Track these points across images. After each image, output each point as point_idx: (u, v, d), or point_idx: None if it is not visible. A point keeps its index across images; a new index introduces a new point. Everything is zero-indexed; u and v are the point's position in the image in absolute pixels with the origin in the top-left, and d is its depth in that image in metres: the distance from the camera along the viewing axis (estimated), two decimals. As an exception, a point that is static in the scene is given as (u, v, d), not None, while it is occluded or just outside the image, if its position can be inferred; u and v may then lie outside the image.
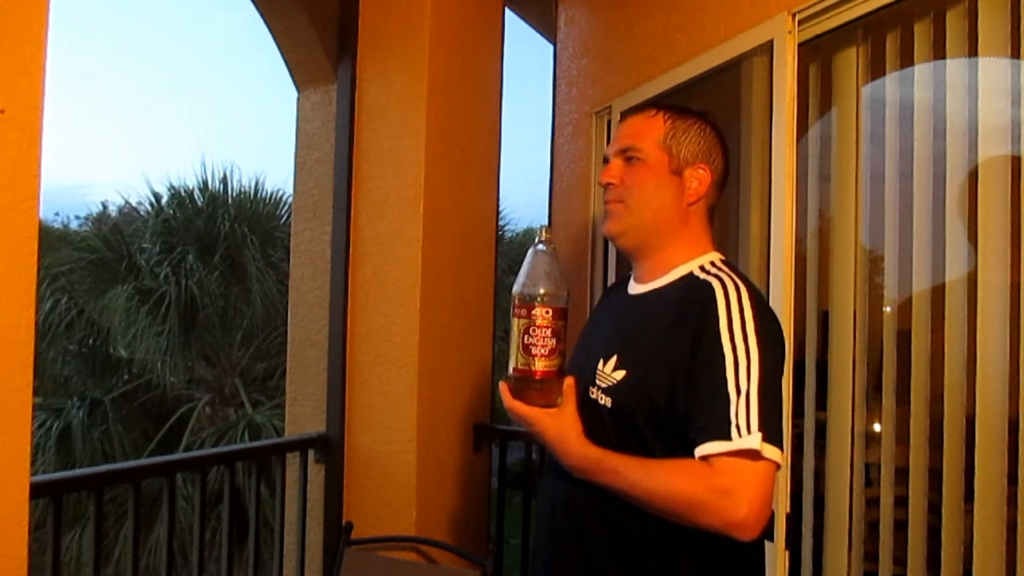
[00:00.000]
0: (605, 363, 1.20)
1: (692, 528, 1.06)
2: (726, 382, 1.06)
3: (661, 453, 1.11)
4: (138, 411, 8.70)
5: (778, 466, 1.05)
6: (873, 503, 1.86)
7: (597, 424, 1.17)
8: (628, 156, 1.24)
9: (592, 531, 1.17)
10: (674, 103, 1.40)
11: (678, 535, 1.09)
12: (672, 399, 1.10)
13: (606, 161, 1.29)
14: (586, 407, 1.17)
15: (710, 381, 1.07)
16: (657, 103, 1.29)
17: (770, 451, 1.03)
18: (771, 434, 1.04)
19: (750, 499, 1.01)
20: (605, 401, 1.17)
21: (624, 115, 1.31)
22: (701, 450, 1.05)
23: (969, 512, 1.58)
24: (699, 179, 1.23)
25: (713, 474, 1.03)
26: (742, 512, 1.01)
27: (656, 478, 1.07)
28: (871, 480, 1.89)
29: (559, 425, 1.14)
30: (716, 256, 1.24)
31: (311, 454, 2.35)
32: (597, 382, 1.19)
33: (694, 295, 1.15)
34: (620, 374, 1.17)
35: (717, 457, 1.03)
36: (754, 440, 1.02)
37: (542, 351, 1.12)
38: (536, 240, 1.17)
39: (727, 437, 1.03)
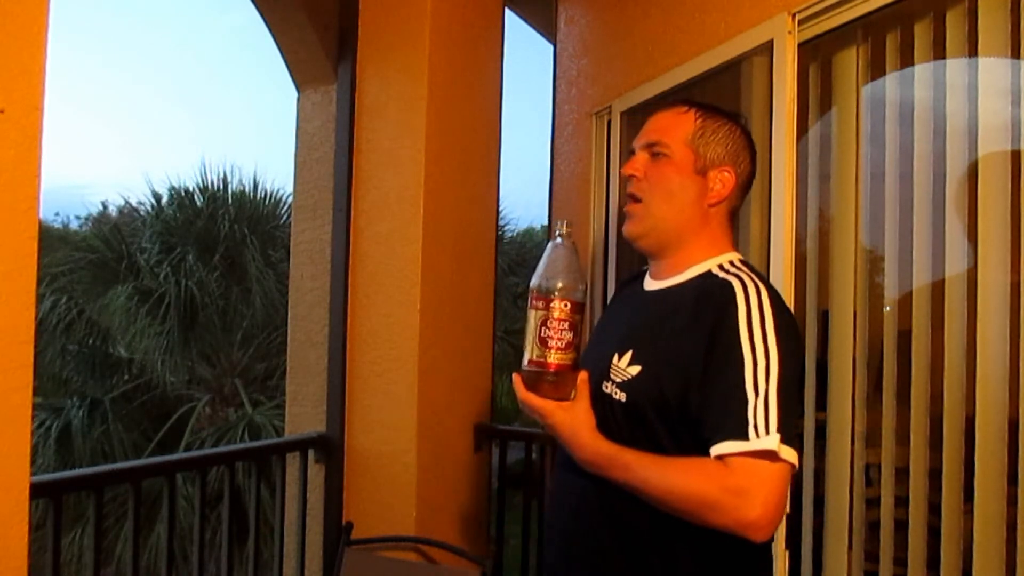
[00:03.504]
0: (620, 358, 1.18)
1: (702, 527, 1.05)
2: (744, 382, 1.05)
3: (672, 450, 1.11)
4: (138, 411, 8.70)
5: (794, 468, 1.04)
6: (873, 503, 1.85)
7: (609, 419, 1.16)
8: (654, 151, 1.23)
9: (602, 526, 1.17)
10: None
11: (687, 533, 1.08)
12: (685, 396, 1.09)
13: (632, 153, 1.27)
14: (598, 401, 1.16)
15: (727, 380, 1.06)
16: (689, 100, 1.27)
17: (787, 453, 1.02)
18: (788, 436, 1.03)
19: (764, 500, 1.01)
20: (619, 396, 1.16)
21: (655, 109, 1.30)
22: (717, 449, 1.04)
23: (969, 512, 1.57)
24: (723, 181, 1.21)
25: (728, 473, 1.02)
26: (756, 513, 1.00)
27: (669, 475, 1.07)
28: (871, 480, 1.89)
29: (572, 419, 1.13)
30: (735, 256, 1.23)
31: (311, 454, 2.35)
32: (611, 376, 1.18)
33: (712, 293, 1.14)
34: (635, 369, 1.16)
35: (733, 457, 1.03)
36: (772, 441, 1.01)
37: (558, 344, 1.11)
38: (555, 233, 1.16)
39: (744, 437, 1.02)
